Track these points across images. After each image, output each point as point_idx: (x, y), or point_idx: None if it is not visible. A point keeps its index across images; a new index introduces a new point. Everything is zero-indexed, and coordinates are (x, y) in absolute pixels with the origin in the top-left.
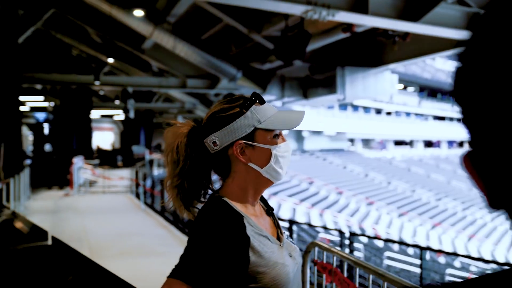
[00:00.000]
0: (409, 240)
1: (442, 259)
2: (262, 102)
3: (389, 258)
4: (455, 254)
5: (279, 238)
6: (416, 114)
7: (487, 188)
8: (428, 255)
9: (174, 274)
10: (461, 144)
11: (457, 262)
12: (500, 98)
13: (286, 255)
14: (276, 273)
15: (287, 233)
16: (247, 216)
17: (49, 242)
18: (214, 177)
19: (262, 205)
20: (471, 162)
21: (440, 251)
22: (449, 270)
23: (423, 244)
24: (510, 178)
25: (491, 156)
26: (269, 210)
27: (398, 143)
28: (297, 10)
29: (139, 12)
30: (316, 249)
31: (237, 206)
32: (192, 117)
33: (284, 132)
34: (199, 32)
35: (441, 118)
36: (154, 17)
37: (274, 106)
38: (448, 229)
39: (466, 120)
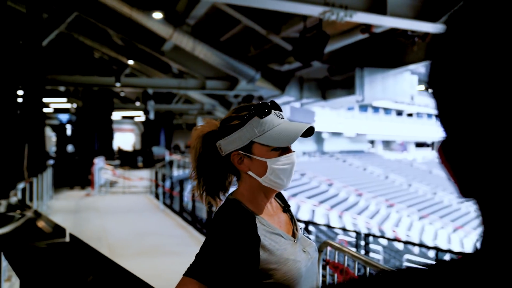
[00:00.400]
0: (430, 243)
1: None
2: (267, 113)
3: (409, 260)
4: None
5: (294, 235)
6: None
7: (458, 178)
8: (448, 258)
9: (189, 272)
10: None
11: None
12: (472, 89)
13: (299, 251)
14: (287, 268)
15: (303, 228)
16: (259, 216)
17: (67, 239)
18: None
19: (278, 202)
20: (443, 152)
21: (460, 254)
22: None
23: (444, 247)
24: (480, 169)
25: (462, 147)
26: (285, 207)
27: (420, 145)
28: (314, 11)
29: (158, 15)
30: (328, 248)
31: (250, 206)
32: (212, 119)
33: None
34: (218, 34)
35: None
36: (174, 19)
37: (293, 106)
38: (470, 233)
39: (439, 111)
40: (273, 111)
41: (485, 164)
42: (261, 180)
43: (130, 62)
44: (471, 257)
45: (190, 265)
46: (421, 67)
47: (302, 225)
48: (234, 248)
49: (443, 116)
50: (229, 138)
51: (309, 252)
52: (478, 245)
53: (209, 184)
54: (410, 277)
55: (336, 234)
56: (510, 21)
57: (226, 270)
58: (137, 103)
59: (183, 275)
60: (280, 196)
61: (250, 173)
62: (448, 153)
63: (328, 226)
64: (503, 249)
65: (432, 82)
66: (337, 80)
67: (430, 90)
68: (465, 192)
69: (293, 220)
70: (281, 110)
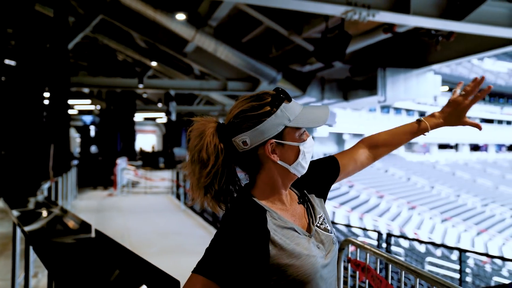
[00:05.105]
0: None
1: (488, 267)
2: (290, 99)
3: (431, 263)
4: (501, 258)
5: (309, 229)
6: None
7: None
8: (473, 263)
9: (197, 269)
10: (510, 147)
11: (505, 271)
12: None
13: (313, 246)
14: (301, 263)
15: (323, 218)
16: (271, 210)
17: (93, 235)
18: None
19: (295, 192)
20: None
21: (485, 254)
22: (496, 278)
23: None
24: None
25: None
26: (301, 198)
27: (442, 146)
28: (336, 11)
29: (181, 16)
30: (350, 246)
31: (263, 200)
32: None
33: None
34: (240, 35)
35: (489, 121)
36: (196, 21)
37: (298, 101)
38: (495, 236)
39: None
40: None
41: None
42: (291, 167)
43: (153, 63)
44: None
45: (199, 261)
46: (445, 67)
47: (322, 214)
48: (242, 244)
49: None
50: (259, 128)
51: (323, 247)
52: None
53: (224, 186)
54: None
55: (357, 235)
56: None
57: (234, 266)
58: (159, 105)
59: (192, 271)
60: (296, 185)
61: (280, 162)
62: None
63: (348, 226)
64: None
65: None
66: (359, 81)
67: None
68: None
69: (309, 212)
70: None
